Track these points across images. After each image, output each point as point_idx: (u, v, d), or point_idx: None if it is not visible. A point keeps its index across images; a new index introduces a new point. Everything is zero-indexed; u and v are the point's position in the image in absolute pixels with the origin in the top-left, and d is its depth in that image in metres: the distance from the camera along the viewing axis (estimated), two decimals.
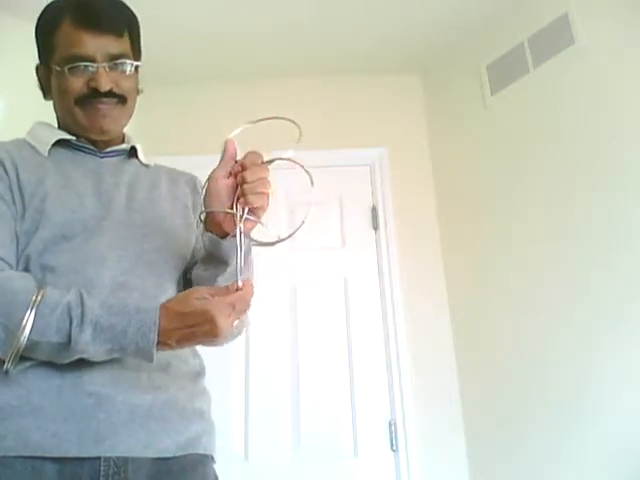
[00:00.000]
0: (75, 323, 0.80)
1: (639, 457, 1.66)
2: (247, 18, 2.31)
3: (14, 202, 0.95)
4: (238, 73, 2.62)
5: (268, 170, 0.88)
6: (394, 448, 2.17)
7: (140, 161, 1.12)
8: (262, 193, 0.86)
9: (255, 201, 0.86)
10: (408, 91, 2.69)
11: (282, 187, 2.05)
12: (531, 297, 2.07)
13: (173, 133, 2.56)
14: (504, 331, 2.14)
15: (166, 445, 0.88)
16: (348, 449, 2.18)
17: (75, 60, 0.98)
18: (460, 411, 2.21)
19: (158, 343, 0.82)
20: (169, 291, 0.98)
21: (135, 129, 2.80)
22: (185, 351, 0.97)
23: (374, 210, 2.48)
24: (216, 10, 2.26)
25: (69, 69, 0.98)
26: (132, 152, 1.12)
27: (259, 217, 0.88)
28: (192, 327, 0.82)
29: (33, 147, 1.06)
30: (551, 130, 2.13)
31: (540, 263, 2.06)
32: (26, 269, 0.91)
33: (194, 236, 1.08)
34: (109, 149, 1.08)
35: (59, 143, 1.05)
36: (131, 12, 1.05)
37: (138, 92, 1.10)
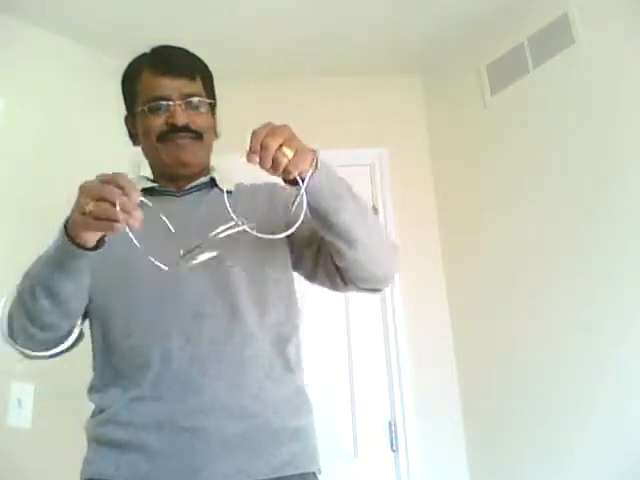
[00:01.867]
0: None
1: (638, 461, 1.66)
2: (247, 18, 2.32)
3: None
4: (238, 73, 2.62)
5: (266, 133, 0.84)
6: (394, 448, 2.17)
7: (220, 189, 1.15)
8: (274, 161, 0.84)
9: (276, 169, 0.84)
10: (408, 91, 2.69)
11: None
12: (531, 297, 2.07)
13: None
14: (504, 331, 2.14)
15: (259, 469, 0.95)
16: (348, 449, 2.18)
17: (153, 101, 1.10)
18: (460, 411, 2.21)
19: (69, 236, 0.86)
20: (248, 314, 1.02)
21: None
22: (278, 371, 1.03)
23: (374, 210, 2.48)
24: (216, 10, 2.26)
25: (149, 108, 1.10)
26: (213, 182, 1.17)
27: (290, 172, 0.85)
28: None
29: None
30: (551, 130, 2.13)
31: (540, 263, 2.06)
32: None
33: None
34: (188, 186, 1.15)
35: (146, 191, 1.12)
36: (202, 62, 1.19)
37: (216, 134, 1.21)
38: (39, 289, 0.94)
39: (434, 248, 2.42)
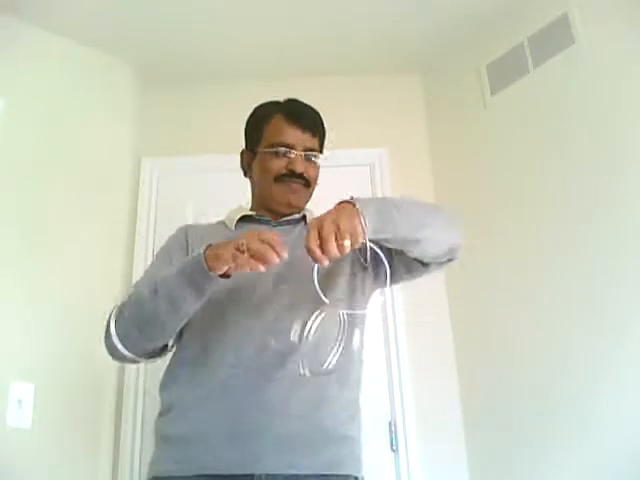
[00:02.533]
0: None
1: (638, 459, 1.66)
2: (247, 18, 2.32)
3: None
4: (238, 74, 2.62)
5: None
6: (394, 448, 2.17)
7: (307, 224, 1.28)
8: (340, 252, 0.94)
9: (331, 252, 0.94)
10: (408, 91, 2.69)
11: None
12: (531, 297, 2.07)
13: (174, 133, 2.56)
14: (504, 331, 2.14)
15: (306, 464, 1.07)
16: None
17: (281, 145, 1.26)
18: (460, 411, 2.20)
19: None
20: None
21: (136, 130, 2.81)
22: (335, 387, 1.14)
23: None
24: (217, 10, 2.26)
25: (274, 152, 1.26)
26: (304, 219, 1.32)
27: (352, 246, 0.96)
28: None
29: (226, 225, 1.33)
30: (551, 130, 2.13)
31: (540, 262, 2.06)
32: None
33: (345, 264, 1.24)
34: (282, 219, 1.31)
35: (243, 218, 1.32)
36: (322, 121, 1.35)
37: (316, 183, 1.35)
38: (166, 299, 1.07)
39: None
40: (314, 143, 1.30)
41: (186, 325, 1.16)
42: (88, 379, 2.03)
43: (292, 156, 1.26)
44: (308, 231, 0.93)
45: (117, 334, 1.11)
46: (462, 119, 2.49)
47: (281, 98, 1.43)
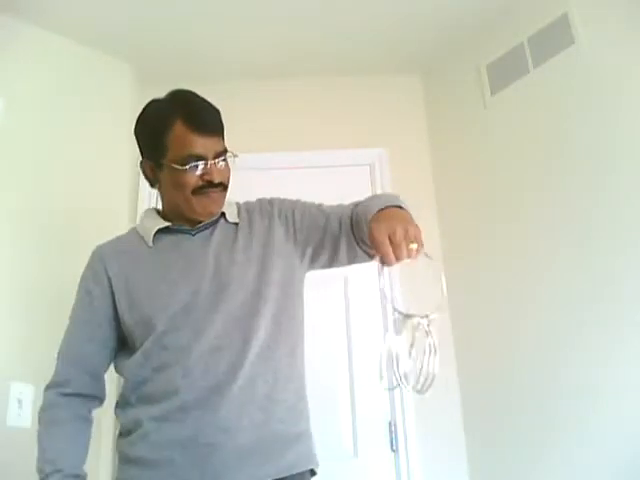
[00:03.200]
0: None
1: (638, 456, 1.66)
2: (247, 18, 2.31)
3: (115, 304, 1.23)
4: (238, 73, 2.62)
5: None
6: (394, 448, 2.17)
7: (227, 220, 1.28)
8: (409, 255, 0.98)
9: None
10: (408, 91, 2.69)
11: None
12: (531, 297, 2.07)
13: None
14: (504, 331, 2.14)
15: (267, 471, 1.10)
16: (348, 449, 2.18)
17: (192, 160, 1.18)
18: (460, 411, 2.21)
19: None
20: (257, 338, 1.16)
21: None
22: (280, 384, 1.17)
23: None
24: (217, 10, 2.26)
25: (189, 167, 1.18)
26: (222, 216, 1.29)
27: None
28: None
29: (141, 237, 1.28)
30: (551, 130, 2.13)
31: (540, 262, 2.06)
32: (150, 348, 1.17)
33: (275, 267, 1.23)
34: (201, 225, 1.27)
35: (161, 230, 1.27)
36: (220, 113, 1.27)
37: None
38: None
39: (434, 248, 2.40)
40: (221, 144, 1.24)
41: (127, 355, 1.21)
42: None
43: (207, 166, 1.20)
44: (379, 238, 0.95)
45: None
46: (462, 119, 2.49)
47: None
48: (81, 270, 1.31)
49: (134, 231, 1.33)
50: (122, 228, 2.42)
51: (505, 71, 2.32)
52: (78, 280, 2.17)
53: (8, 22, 2.16)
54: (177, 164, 1.19)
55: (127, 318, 1.20)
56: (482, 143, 2.38)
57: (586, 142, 2.00)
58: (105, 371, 1.27)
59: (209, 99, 1.32)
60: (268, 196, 1.37)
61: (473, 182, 2.38)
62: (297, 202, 1.32)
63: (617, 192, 1.89)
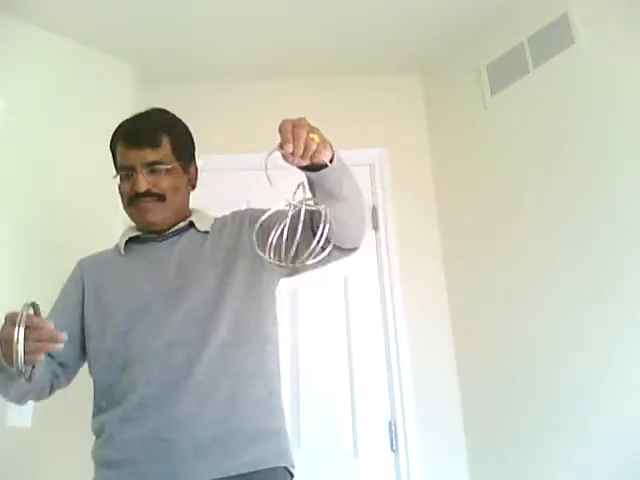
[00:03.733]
0: None
1: (638, 456, 1.66)
2: (247, 18, 2.31)
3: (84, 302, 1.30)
4: (238, 73, 2.62)
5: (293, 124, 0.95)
6: (394, 448, 2.17)
7: (197, 229, 1.33)
8: (306, 147, 0.94)
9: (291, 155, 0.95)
10: (408, 91, 2.69)
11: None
12: (531, 297, 2.07)
13: None
14: (504, 331, 2.14)
15: (229, 466, 1.09)
16: (348, 449, 2.18)
17: (122, 170, 1.28)
18: (460, 411, 2.21)
19: None
20: (217, 335, 1.18)
21: None
22: (246, 380, 1.18)
23: (374, 210, 2.48)
24: (217, 10, 2.26)
25: (120, 177, 1.29)
26: (192, 226, 1.34)
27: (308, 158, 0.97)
28: None
29: (118, 248, 1.36)
30: (551, 130, 2.13)
31: (541, 262, 2.06)
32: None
33: (239, 268, 1.26)
34: (168, 232, 1.33)
35: (132, 239, 1.35)
36: (172, 123, 1.34)
37: (191, 185, 1.38)
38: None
39: (434, 248, 2.42)
40: (157, 155, 1.28)
41: (91, 354, 1.25)
42: (88, 379, 2.03)
43: (133, 176, 1.27)
44: (285, 121, 0.94)
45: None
46: (462, 119, 2.49)
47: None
48: None
49: (115, 244, 1.41)
50: (121, 228, 2.44)
51: (505, 71, 2.32)
52: None
53: (8, 22, 2.17)
54: (117, 176, 1.31)
55: (91, 318, 1.26)
56: (482, 143, 2.38)
57: (586, 142, 2.00)
58: (73, 363, 1.30)
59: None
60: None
61: (473, 182, 2.38)
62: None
63: (617, 192, 1.88)
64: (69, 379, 1.32)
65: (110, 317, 1.23)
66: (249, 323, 1.23)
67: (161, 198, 1.28)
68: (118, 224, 2.35)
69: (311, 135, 0.93)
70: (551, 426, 1.91)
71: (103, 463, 1.17)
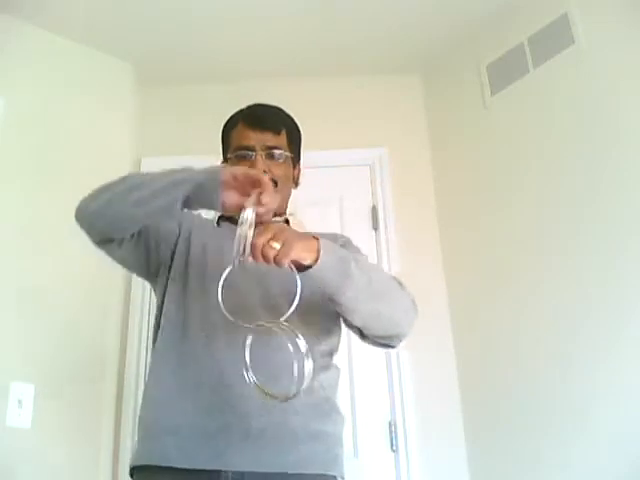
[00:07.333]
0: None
1: (638, 458, 1.66)
2: (247, 18, 2.32)
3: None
4: (238, 73, 2.62)
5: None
6: (394, 448, 2.17)
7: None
8: (263, 255, 0.91)
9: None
10: (408, 91, 2.69)
11: None
12: (532, 297, 2.07)
13: (174, 133, 2.56)
14: (505, 331, 2.14)
15: (274, 462, 1.06)
16: (348, 449, 2.17)
17: (240, 150, 1.28)
18: (460, 411, 2.20)
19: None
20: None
21: (136, 130, 2.81)
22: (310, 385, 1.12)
23: (374, 210, 2.48)
24: (216, 10, 2.26)
25: (235, 156, 1.28)
26: (286, 223, 1.31)
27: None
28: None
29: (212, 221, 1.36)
30: (551, 130, 2.13)
31: (540, 261, 2.06)
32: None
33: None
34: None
35: (223, 217, 1.33)
36: (290, 119, 1.36)
37: (295, 182, 1.38)
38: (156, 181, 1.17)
39: (434, 247, 2.42)
40: (277, 141, 1.30)
41: (162, 322, 1.20)
42: (88, 379, 2.03)
43: (252, 157, 1.26)
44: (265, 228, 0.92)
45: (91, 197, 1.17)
46: (462, 119, 2.49)
47: (262, 100, 1.43)
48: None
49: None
50: None
51: (505, 71, 2.33)
52: (79, 280, 2.18)
53: (8, 22, 2.17)
54: (231, 155, 1.30)
55: (191, 267, 1.22)
56: (482, 143, 2.38)
57: (586, 142, 2.00)
58: (136, 236, 1.25)
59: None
60: (345, 235, 1.41)
61: (473, 182, 2.38)
62: (358, 252, 1.35)
63: (617, 191, 1.88)
64: (121, 243, 1.27)
65: (210, 281, 1.16)
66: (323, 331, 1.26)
67: (274, 184, 1.23)
68: None
69: (271, 242, 0.89)
70: (551, 426, 1.91)
71: (146, 429, 1.14)
